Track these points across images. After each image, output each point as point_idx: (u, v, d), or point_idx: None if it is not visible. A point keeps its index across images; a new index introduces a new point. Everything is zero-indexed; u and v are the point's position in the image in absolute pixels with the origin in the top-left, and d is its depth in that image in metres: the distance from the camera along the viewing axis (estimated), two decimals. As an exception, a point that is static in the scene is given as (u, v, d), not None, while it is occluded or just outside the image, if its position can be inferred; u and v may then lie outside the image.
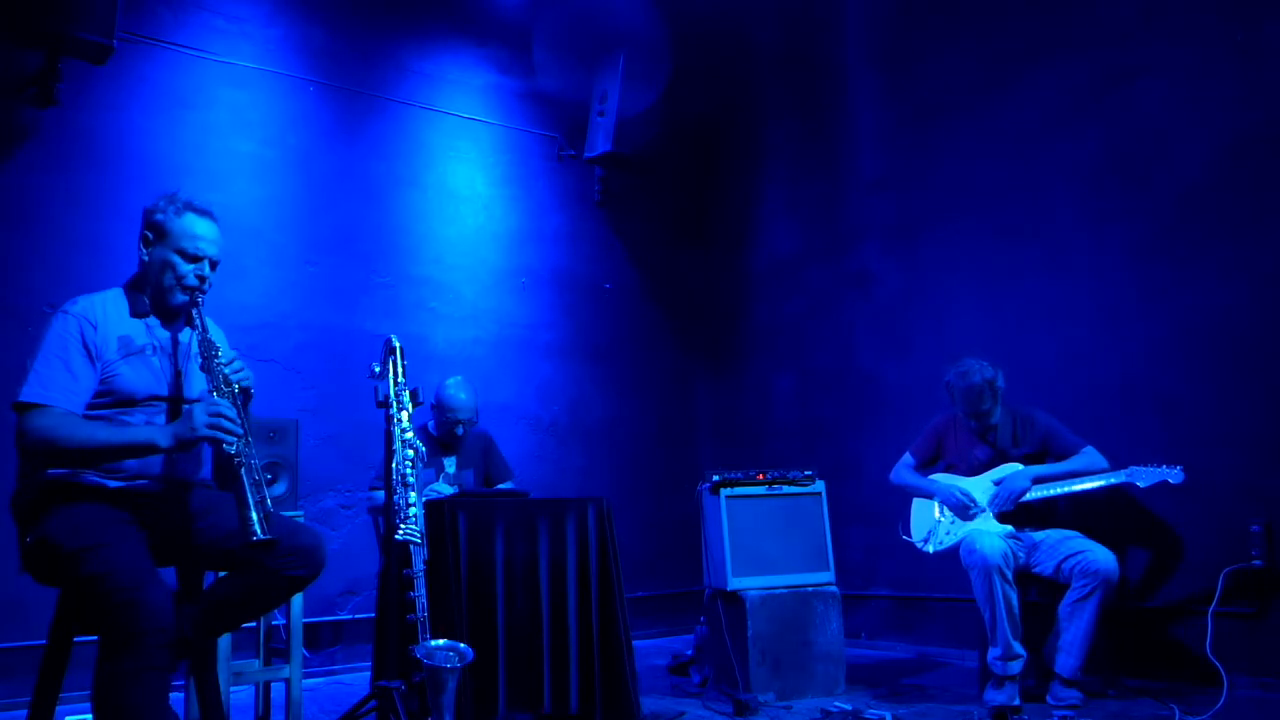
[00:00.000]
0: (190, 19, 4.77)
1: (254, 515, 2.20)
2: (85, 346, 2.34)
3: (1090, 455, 3.72)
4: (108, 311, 2.43)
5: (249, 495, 2.22)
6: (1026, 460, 3.80)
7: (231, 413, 2.28)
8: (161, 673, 2.12)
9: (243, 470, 2.25)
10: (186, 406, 2.42)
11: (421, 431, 4.29)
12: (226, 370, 2.39)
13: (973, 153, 4.91)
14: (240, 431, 2.28)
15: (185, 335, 2.55)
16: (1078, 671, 3.43)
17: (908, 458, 4.13)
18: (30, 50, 4.24)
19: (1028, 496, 3.70)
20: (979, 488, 3.84)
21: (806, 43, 6.00)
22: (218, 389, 2.36)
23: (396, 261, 5.30)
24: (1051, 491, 3.69)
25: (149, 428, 2.33)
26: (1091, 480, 3.64)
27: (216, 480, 2.60)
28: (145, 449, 2.29)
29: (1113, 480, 3.56)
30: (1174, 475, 3.45)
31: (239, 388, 2.40)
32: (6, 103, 4.22)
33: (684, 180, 6.55)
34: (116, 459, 2.30)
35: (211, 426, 2.24)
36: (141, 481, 2.38)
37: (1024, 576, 3.68)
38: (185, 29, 4.74)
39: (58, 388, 2.29)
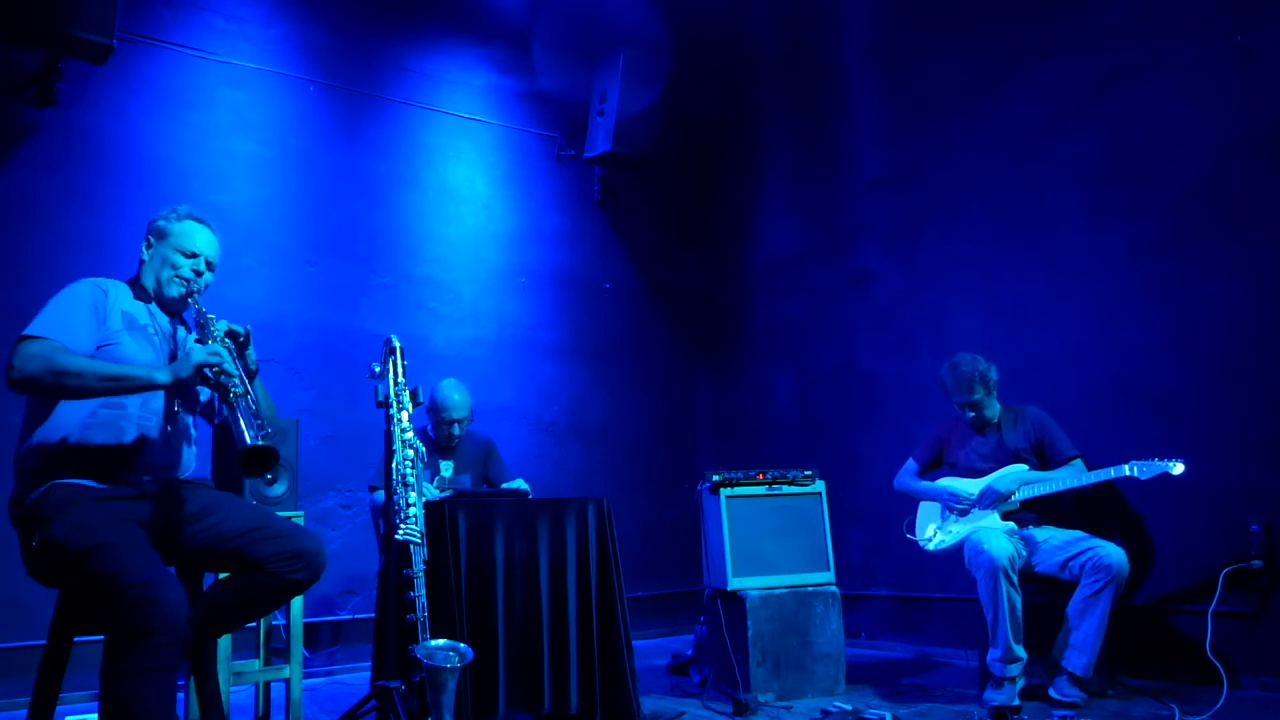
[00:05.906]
0: (190, 19, 4.77)
1: (244, 426, 2.25)
2: (93, 307, 2.41)
3: (1077, 469, 3.73)
4: (116, 288, 2.52)
5: (241, 418, 2.27)
6: (1028, 451, 3.82)
7: (227, 356, 2.34)
8: (170, 672, 2.12)
9: (239, 401, 2.31)
10: (184, 350, 2.47)
11: (420, 434, 4.29)
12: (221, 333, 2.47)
13: (973, 153, 4.91)
14: (235, 371, 2.34)
15: (182, 334, 2.63)
16: (1090, 669, 3.42)
17: (910, 464, 4.18)
18: (30, 50, 4.25)
19: (1016, 496, 3.71)
20: (977, 489, 3.84)
21: (806, 43, 6.00)
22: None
23: (396, 261, 5.30)
24: (1039, 491, 3.69)
25: (148, 366, 2.38)
26: (1086, 477, 3.64)
27: (216, 479, 2.61)
28: (144, 384, 2.31)
29: (1111, 475, 3.54)
30: (1173, 467, 3.43)
31: (244, 331, 2.52)
32: (6, 103, 4.23)
33: (684, 180, 6.55)
34: (113, 392, 2.32)
35: (209, 366, 2.29)
36: (143, 480, 2.39)
37: (1026, 575, 3.68)
38: (185, 29, 4.74)
39: (59, 327, 2.33)
